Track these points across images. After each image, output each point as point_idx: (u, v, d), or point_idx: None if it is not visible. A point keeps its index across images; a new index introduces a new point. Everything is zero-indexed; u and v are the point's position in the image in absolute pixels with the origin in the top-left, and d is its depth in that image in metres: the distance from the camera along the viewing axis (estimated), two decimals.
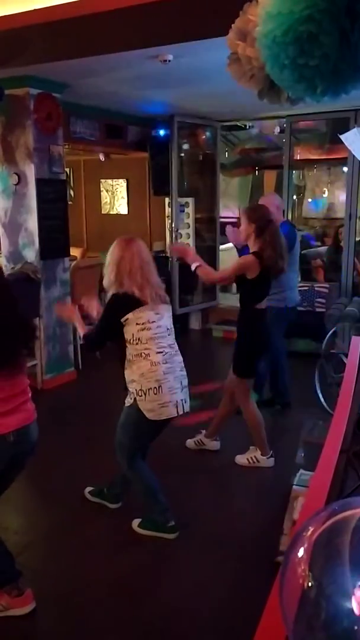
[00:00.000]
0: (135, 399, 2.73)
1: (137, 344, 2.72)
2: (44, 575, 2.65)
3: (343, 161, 6.77)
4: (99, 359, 5.28)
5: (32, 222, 4.88)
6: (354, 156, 5.74)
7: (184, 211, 6.92)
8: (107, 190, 7.88)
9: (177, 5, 2.61)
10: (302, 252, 7.68)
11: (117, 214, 7.81)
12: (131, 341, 2.72)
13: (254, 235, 3.42)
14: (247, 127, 8.03)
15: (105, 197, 7.90)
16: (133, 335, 2.71)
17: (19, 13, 2.97)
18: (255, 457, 3.69)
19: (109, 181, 7.84)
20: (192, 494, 3.33)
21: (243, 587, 2.52)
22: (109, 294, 2.80)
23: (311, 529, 0.72)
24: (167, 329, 2.81)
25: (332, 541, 0.71)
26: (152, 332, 2.72)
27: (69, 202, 6.12)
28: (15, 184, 4.86)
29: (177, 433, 3.60)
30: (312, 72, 1.32)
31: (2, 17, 3.03)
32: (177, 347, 2.88)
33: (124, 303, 2.71)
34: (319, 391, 4.30)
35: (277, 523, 2.81)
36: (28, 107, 4.65)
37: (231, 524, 3.02)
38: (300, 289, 6.48)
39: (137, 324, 2.70)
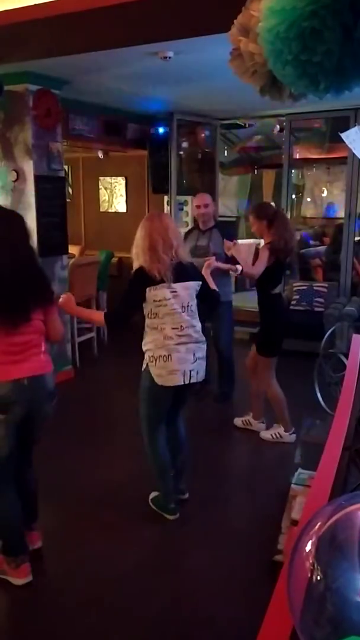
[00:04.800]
0: (147, 364, 2.93)
1: (154, 318, 2.90)
2: (44, 572, 2.64)
3: (343, 160, 6.77)
4: (97, 356, 5.27)
5: (30, 219, 4.85)
6: (354, 155, 5.73)
7: (182, 209, 6.91)
8: (105, 188, 7.86)
9: (177, 1, 2.60)
10: (301, 251, 7.72)
11: (115, 212, 7.78)
12: (149, 315, 2.92)
13: (267, 228, 3.82)
14: (247, 125, 8.02)
15: (103, 194, 7.87)
16: (151, 310, 2.90)
17: (19, 8, 2.95)
18: (278, 432, 4.00)
19: (108, 179, 7.82)
20: (190, 491, 3.32)
21: (241, 586, 2.52)
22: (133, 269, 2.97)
23: (318, 523, 0.72)
24: (184, 306, 2.92)
25: (339, 535, 0.71)
26: (168, 309, 2.88)
27: (68, 200, 6.10)
28: (14, 181, 4.84)
29: None
30: (315, 68, 1.30)
31: (1, 12, 3.01)
32: (196, 323, 2.99)
33: (141, 278, 2.86)
34: (317, 391, 4.29)
35: (275, 522, 2.81)
36: (27, 103, 4.63)
37: (229, 522, 3.02)
38: (298, 288, 6.50)
39: (153, 300, 2.86)
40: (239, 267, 3.83)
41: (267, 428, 4.11)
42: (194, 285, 2.99)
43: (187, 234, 4.57)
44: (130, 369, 4.85)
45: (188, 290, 2.95)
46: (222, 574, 2.61)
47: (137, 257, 2.91)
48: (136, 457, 3.62)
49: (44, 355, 2.51)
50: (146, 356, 2.95)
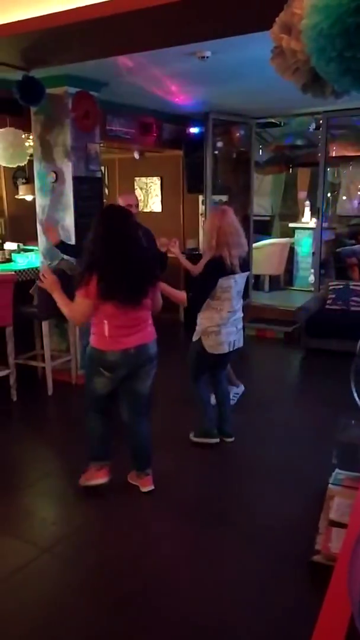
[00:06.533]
0: (201, 336, 3.55)
1: (216, 300, 3.47)
2: (81, 567, 2.69)
3: None
4: None
5: (68, 219, 4.95)
6: None
7: None
8: (141, 188, 7.93)
9: (220, 0, 2.61)
10: (337, 250, 7.62)
11: (150, 211, 7.84)
12: (213, 297, 3.46)
13: None
14: (282, 124, 7.97)
15: (139, 194, 7.94)
16: (215, 293, 3.45)
17: (60, 12, 3.00)
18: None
19: (143, 179, 7.89)
20: (226, 491, 3.33)
21: (279, 585, 2.51)
22: (205, 258, 3.53)
23: None
24: (238, 292, 3.57)
25: None
26: (228, 295, 3.48)
27: (104, 200, 6.17)
28: (53, 182, 4.93)
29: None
30: (359, 64, 1.30)
31: (43, 16, 3.07)
32: (242, 302, 3.66)
33: (220, 267, 3.39)
34: (354, 391, 4.24)
35: (312, 522, 2.80)
36: (66, 105, 4.71)
37: (266, 522, 3.01)
38: (334, 287, 6.42)
39: (220, 287, 3.43)
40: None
41: None
42: (246, 275, 3.62)
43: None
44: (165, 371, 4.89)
45: (243, 279, 3.57)
46: (259, 573, 2.60)
47: (211, 247, 3.38)
48: (169, 454, 3.65)
49: (150, 327, 3.05)
50: (199, 329, 3.55)
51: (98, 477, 3.21)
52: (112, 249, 2.79)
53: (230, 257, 3.35)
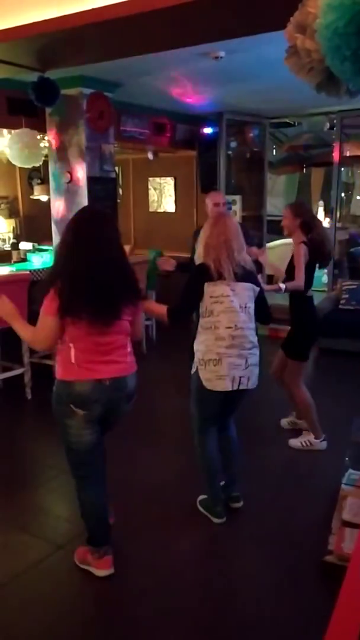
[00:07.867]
0: (197, 367, 2.87)
1: (209, 316, 2.82)
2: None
3: None
4: (146, 354, 5.33)
5: None
6: None
7: (231, 209, 6.90)
8: (154, 189, 7.95)
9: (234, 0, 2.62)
10: (351, 250, 7.59)
11: (164, 211, 7.86)
12: (204, 314, 2.84)
13: (300, 228, 3.72)
14: (296, 124, 7.95)
15: (153, 195, 7.97)
16: (206, 307, 2.82)
17: (75, 13, 3.03)
18: (308, 440, 3.82)
19: (157, 179, 7.91)
20: (240, 490, 3.32)
21: (292, 586, 2.50)
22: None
23: None
24: (242, 306, 2.83)
25: None
26: (224, 306, 2.79)
27: (118, 201, 6.21)
28: (68, 182, 4.97)
29: None
30: None
31: (58, 18, 3.10)
32: (252, 326, 2.90)
33: (201, 274, 2.81)
34: None
35: (325, 522, 2.79)
36: (81, 106, 4.75)
37: (279, 521, 3.00)
38: (348, 287, 6.39)
39: (210, 297, 2.80)
40: (283, 286, 3.58)
41: (297, 435, 3.90)
42: (253, 287, 2.90)
43: (199, 232, 4.45)
44: (178, 369, 4.90)
45: (247, 291, 2.86)
46: (272, 573, 2.60)
47: (199, 255, 2.90)
48: (182, 457, 3.65)
49: (129, 356, 2.50)
50: (196, 358, 2.88)
51: (100, 568, 2.54)
52: (78, 258, 2.33)
53: (217, 266, 2.79)
